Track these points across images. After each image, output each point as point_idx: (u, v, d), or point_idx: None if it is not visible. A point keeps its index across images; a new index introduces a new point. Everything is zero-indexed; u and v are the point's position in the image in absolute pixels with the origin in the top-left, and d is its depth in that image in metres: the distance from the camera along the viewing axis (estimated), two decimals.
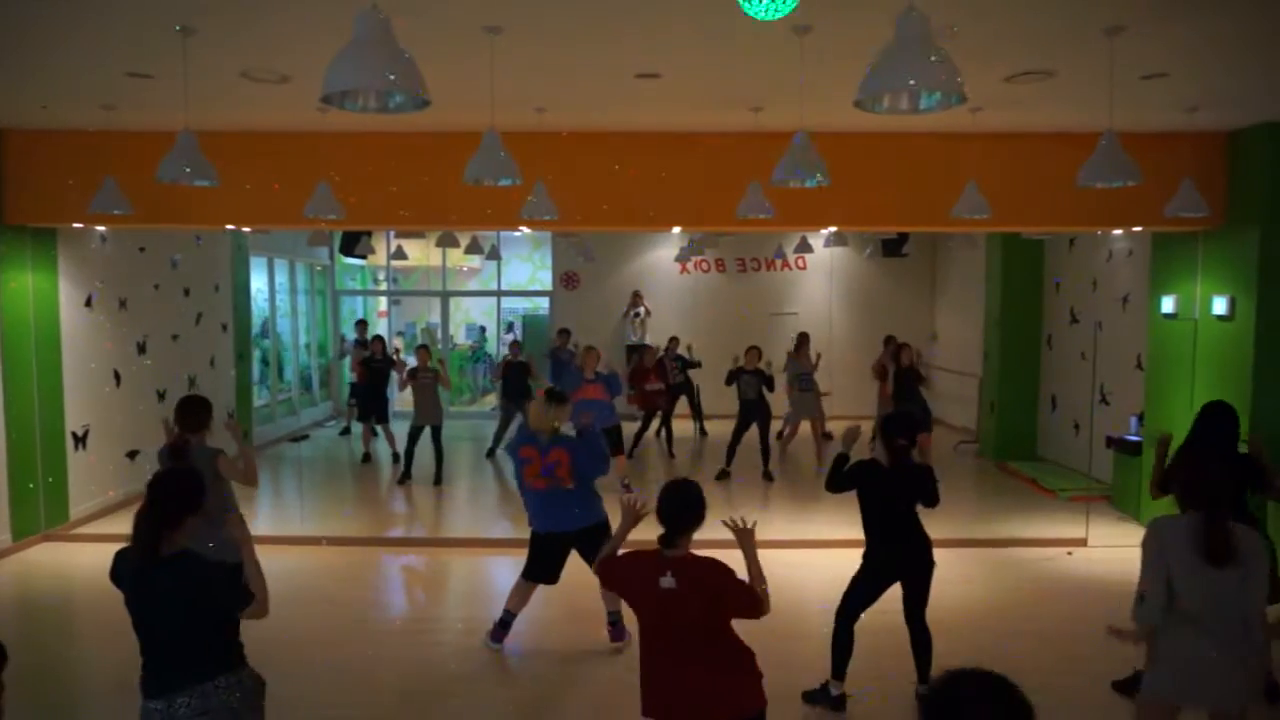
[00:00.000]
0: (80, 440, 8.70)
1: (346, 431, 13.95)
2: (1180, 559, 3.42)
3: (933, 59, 2.95)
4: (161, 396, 9.84)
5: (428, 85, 3.25)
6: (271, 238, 13.00)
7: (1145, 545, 3.54)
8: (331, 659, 5.65)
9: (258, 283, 13.30)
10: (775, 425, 11.51)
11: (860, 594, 4.89)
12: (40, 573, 7.43)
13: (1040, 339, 11.75)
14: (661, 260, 15.65)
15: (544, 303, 16.49)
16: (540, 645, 5.92)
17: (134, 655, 3.11)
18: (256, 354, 13.23)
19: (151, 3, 4.39)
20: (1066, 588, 6.99)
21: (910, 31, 2.99)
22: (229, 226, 8.65)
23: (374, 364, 11.65)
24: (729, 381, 10.54)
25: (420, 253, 16.35)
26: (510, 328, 17.67)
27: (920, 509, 4.92)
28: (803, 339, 11.80)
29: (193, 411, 5.05)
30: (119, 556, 3.15)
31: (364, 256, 15.05)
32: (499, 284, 16.41)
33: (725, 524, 3.46)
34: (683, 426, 13.03)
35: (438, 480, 10.29)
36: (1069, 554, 7.80)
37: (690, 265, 15.59)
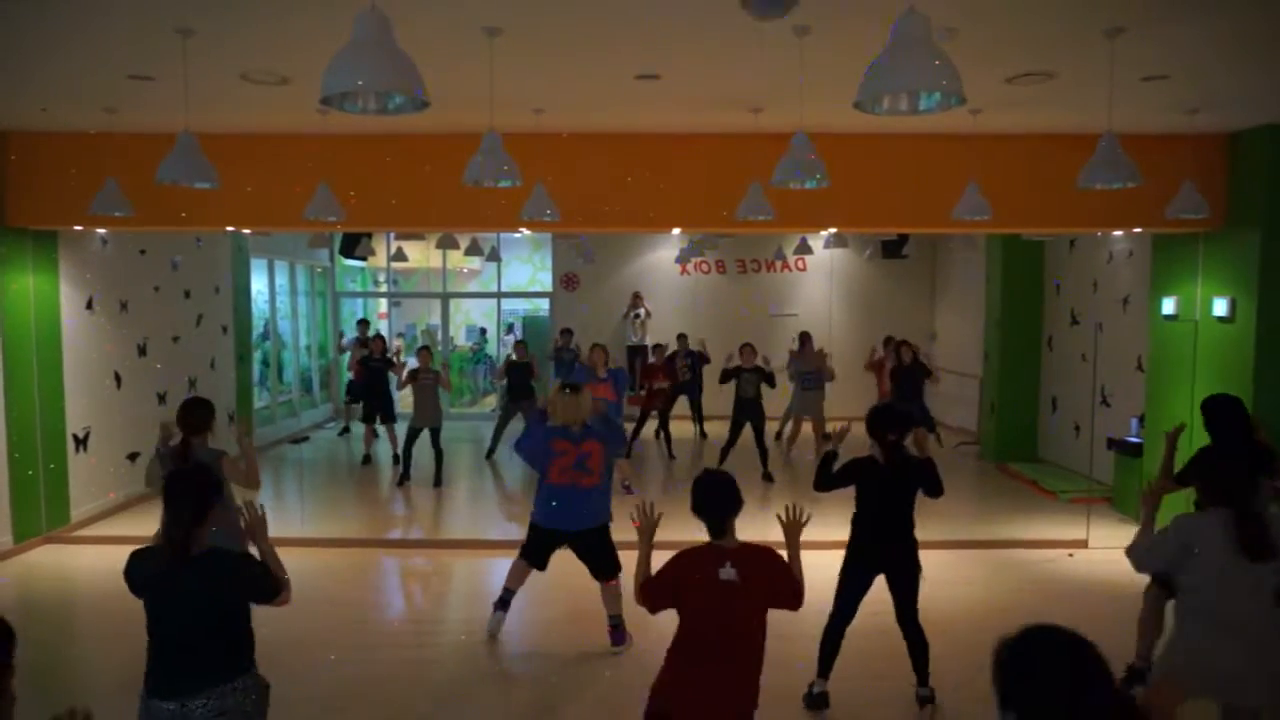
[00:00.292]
0: (81, 442, 8.70)
1: (346, 432, 13.95)
2: (1215, 558, 3.36)
3: (932, 60, 2.95)
4: (162, 398, 9.84)
5: (427, 86, 3.25)
6: (272, 240, 13.00)
7: (1165, 527, 3.50)
8: (332, 660, 5.65)
9: (258, 285, 13.30)
10: (772, 426, 11.51)
11: (849, 591, 4.88)
12: (41, 574, 7.43)
13: (1041, 340, 11.74)
14: (662, 261, 15.66)
15: (544, 304, 16.50)
16: (541, 647, 5.91)
17: (136, 656, 3.11)
18: (257, 356, 13.23)
19: (152, 5, 4.40)
20: (1067, 589, 6.99)
21: (910, 32, 2.99)
22: (229, 228, 8.66)
23: (371, 363, 11.65)
24: (725, 380, 10.52)
25: (420, 254, 16.36)
26: (511, 329, 17.68)
27: (918, 512, 4.90)
28: (805, 338, 11.81)
29: (195, 413, 5.08)
30: (136, 558, 3.16)
31: (364, 258, 15.07)
32: (499, 285, 16.42)
33: (779, 517, 3.46)
34: (680, 428, 13.01)
35: (437, 482, 10.29)
36: (1070, 556, 7.80)
37: (690, 266, 15.60)
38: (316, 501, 9.86)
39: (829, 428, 12.24)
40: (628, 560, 4.39)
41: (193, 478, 3.21)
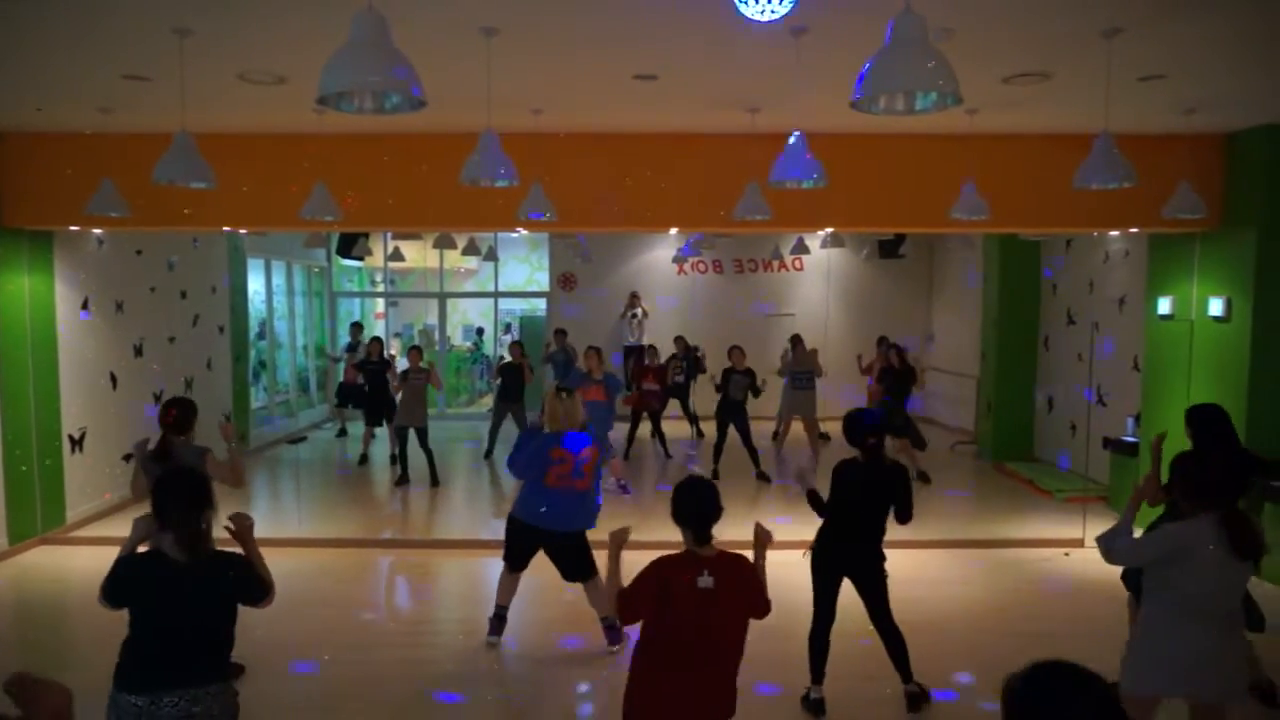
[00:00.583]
0: (77, 443, 8.68)
1: (343, 433, 13.93)
2: (1206, 559, 3.41)
3: (929, 60, 2.95)
4: (158, 399, 9.82)
5: (424, 86, 3.25)
6: (268, 239, 12.98)
7: (1153, 530, 3.54)
8: (328, 660, 5.64)
9: (255, 285, 13.28)
10: (768, 426, 11.54)
11: (820, 593, 4.89)
12: (37, 576, 7.41)
13: (1037, 340, 11.76)
14: (659, 261, 15.66)
15: (541, 304, 16.49)
16: (536, 648, 5.91)
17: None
18: (253, 356, 13.22)
19: (149, 5, 4.39)
20: (1063, 588, 7.00)
21: (906, 33, 2.99)
22: (226, 228, 8.65)
23: (369, 365, 11.64)
24: (720, 385, 10.54)
25: (417, 254, 16.34)
26: (508, 329, 17.66)
27: (917, 510, 4.90)
28: (796, 341, 11.86)
29: (180, 413, 5.06)
30: (131, 565, 3.16)
31: (361, 258, 15.06)
32: (496, 285, 16.41)
33: (759, 525, 3.47)
34: (676, 429, 13.00)
35: (434, 482, 10.29)
36: (1066, 555, 7.81)
37: (688, 266, 15.60)
38: (313, 502, 9.84)
39: (828, 429, 12.28)
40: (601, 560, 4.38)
41: (188, 479, 3.22)
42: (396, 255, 15.04)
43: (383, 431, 11.59)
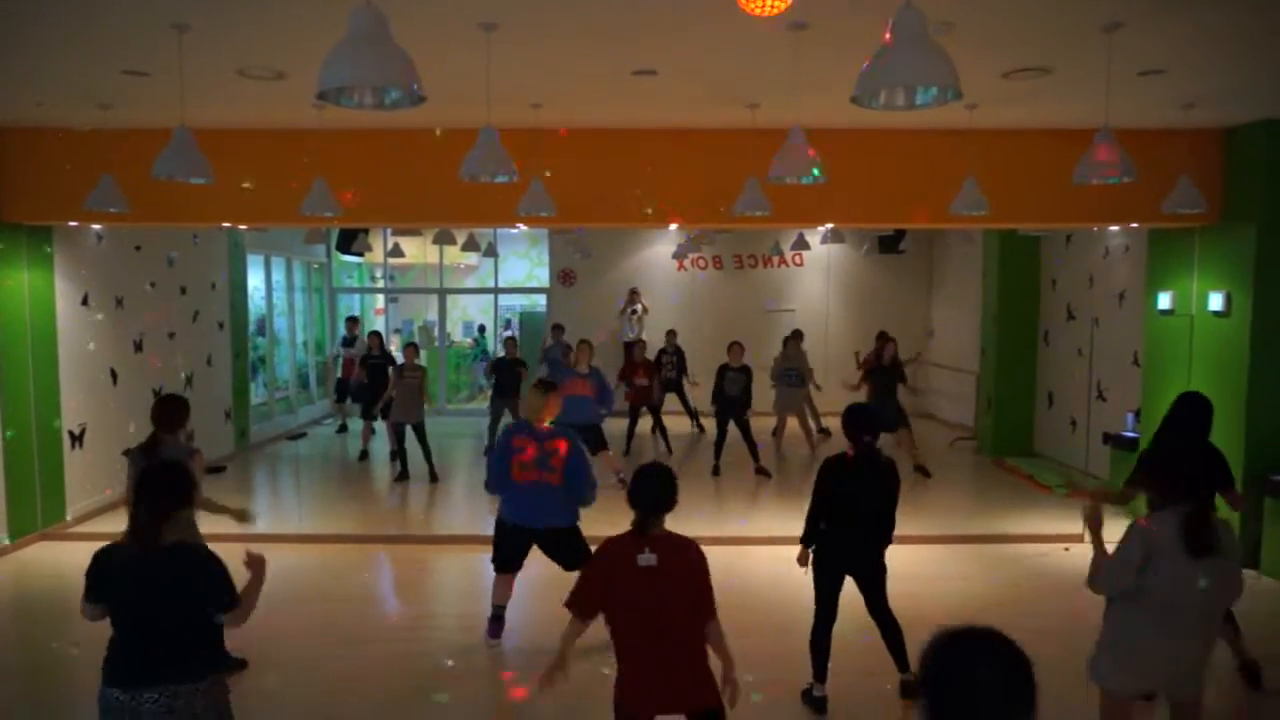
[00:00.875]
0: (77, 439, 8.68)
1: (344, 429, 13.94)
2: (1164, 552, 3.44)
3: (929, 55, 2.95)
4: (158, 395, 9.82)
5: (423, 81, 3.24)
6: (268, 235, 12.97)
7: (1127, 539, 3.55)
8: (328, 655, 5.65)
9: (255, 280, 13.28)
10: (768, 422, 11.54)
11: (823, 592, 4.89)
12: (37, 572, 7.42)
13: (1037, 335, 11.76)
14: (659, 257, 15.65)
15: (541, 299, 16.49)
16: (536, 641, 5.91)
17: None
18: (253, 352, 13.22)
19: (147, 1, 4.38)
20: (1063, 583, 7.00)
21: (906, 27, 2.99)
22: (225, 224, 8.64)
23: (371, 360, 11.64)
24: (718, 381, 10.54)
25: (417, 250, 16.34)
26: (508, 325, 17.66)
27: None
28: (788, 338, 11.88)
29: (170, 410, 5.06)
30: (101, 554, 3.17)
31: (361, 254, 15.05)
32: (495, 281, 16.40)
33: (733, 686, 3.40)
34: (677, 423, 13.02)
35: (433, 478, 10.29)
36: (1066, 549, 7.81)
37: (687, 262, 15.59)
38: (313, 497, 9.85)
39: (829, 424, 12.31)
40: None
41: (167, 472, 3.24)
42: (396, 251, 15.03)
43: (381, 426, 11.60)
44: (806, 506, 4.94)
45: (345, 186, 7.32)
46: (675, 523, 3.41)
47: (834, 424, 12.67)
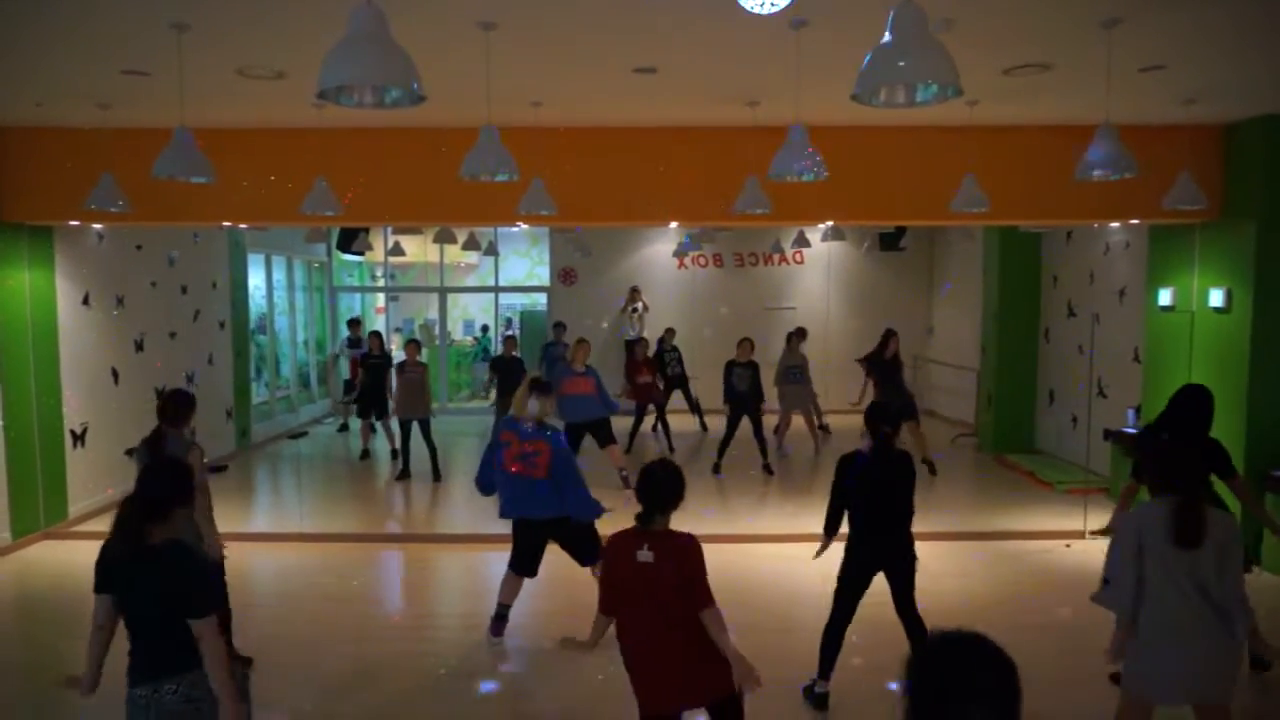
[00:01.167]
0: (79, 438, 8.69)
1: (345, 428, 13.94)
2: (1153, 544, 3.45)
3: (929, 52, 2.95)
4: (159, 394, 9.83)
5: (423, 81, 3.25)
6: (269, 234, 12.98)
7: (1120, 533, 3.55)
8: (331, 654, 5.66)
9: (255, 279, 13.28)
10: (770, 420, 11.54)
11: (849, 591, 4.89)
12: (40, 570, 7.43)
13: (1038, 332, 11.76)
14: (659, 255, 15.65)
15: (542, 298, 16.49)
16: (540, 639, 5.92)
17: None
18: (254, 351, 13.23)
19: (147, 1, 4.38)
20: (1064, 580, 7.01)
21: (906, 24, 2.99)
22: (226, 223, 8.65)
23: (371, 360, 11.65)
24: (727, 378, 10.54)
25: (418, 249, 16.33)
26: (509, 323, 17.66)
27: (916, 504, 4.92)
28: (798, 334, 11.87)
29: (176, 405, 5.08)
30: (105, 547, 3.18)
31: (361, 253, 15.03)
32: (496, 280, 16.40)
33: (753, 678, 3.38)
34: (682, 421, 13.02)
35: (436, 476, 10.30)
36: (1067, 546, 7.82)
37: (688, 260, 15.59)
38: (315, 496, 9.85)
39: (829, 421, 12.31)
40: None
41: (167, 470, 3.26)
42: (397, 250, 15.03)
43: (381, 426, 11.59)
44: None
45: (346, 185, 7.32)
46: (680, 520, 3.43)
47: (834, 422, 12.77)
